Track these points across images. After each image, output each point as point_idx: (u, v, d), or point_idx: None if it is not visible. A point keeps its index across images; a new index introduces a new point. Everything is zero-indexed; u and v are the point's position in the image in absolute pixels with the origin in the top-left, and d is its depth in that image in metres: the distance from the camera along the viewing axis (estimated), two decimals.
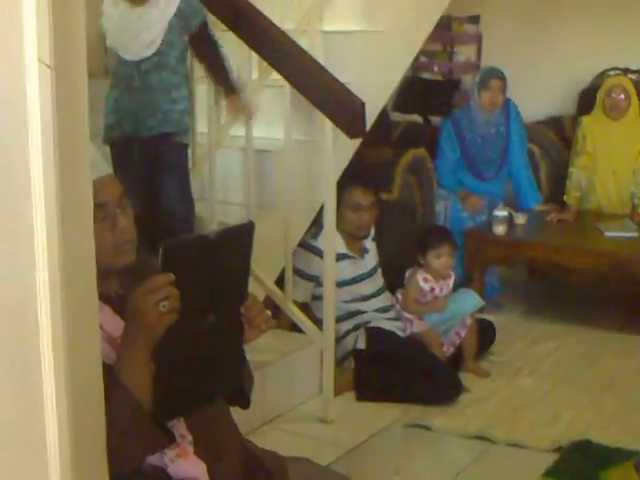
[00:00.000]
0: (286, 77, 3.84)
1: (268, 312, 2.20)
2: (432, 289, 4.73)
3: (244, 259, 2.09)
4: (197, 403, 2.13)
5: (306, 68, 3.79)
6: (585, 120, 6.03)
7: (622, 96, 5.84)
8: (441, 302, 4.73)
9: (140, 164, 3.64)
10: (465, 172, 5.96)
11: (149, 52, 3.57)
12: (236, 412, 2.42)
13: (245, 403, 2.37)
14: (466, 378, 4.64)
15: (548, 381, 4.72)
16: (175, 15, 3.59)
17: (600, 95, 5.99)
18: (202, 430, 2.19)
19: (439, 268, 4.71)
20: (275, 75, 4.03)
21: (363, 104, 3.61)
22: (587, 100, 6.28)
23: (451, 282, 4.82)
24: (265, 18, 3.97)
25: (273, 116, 4.14)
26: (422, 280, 4.72)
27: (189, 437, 2.15)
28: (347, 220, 4.55)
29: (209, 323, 2.02)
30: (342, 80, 3.90)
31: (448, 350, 4.73)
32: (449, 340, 4.75)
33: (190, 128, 3.86)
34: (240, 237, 2.08)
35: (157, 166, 3.66)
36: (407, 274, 4.78)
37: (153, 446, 2.02)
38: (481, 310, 5.01)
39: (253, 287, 3.89)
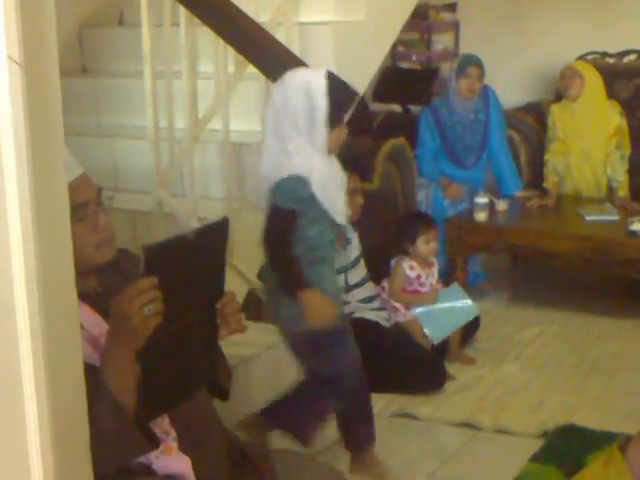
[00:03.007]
0: (262, 70, 3.84)
1: (242, 313, 2.21)
2: (418, 276, 4.74)
3: (220, 255, 2.11)
4: (179, 400, 2.14)
5: (282, 60, 3.79)
6: (554, 107, 6.05)
7: (575, 78, 5.84)
8: (432, 294, 4.74)
9: None
10: (445, 160, 5.96)
11: None
12: (222, 406, 2.43)
13: (224, 396, 2.38)
14: (451, 366, 4.65)
15: (533, 367, 4.73)
16: None
17: (558, 80, 6.03)
18: (186, 425, 2.19)
19: (428, 254, 4.73)
20: (252, 68, 4.03)
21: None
22: None
23: (435, 269, 4.84)
24: (240, 11, 3.97)
25: (250, 109, 4.15)
26: (408, 268, 4.72)
27: (173, 433, 2.16)
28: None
29: (189, 320, 2.03)
30: None
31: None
32: None
33: None
34: (216, 234, 2.09)
35: None
36: (392, 263, 4.78)
37: (137, 450, 2.03)
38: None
39: (236, 281, 3.90)
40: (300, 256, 3.20)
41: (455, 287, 4.84)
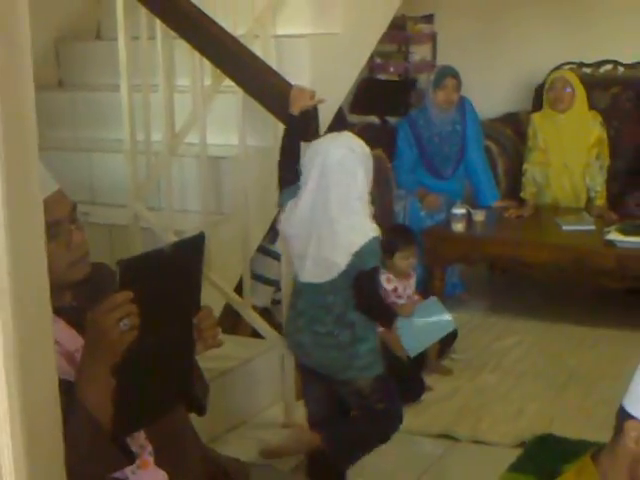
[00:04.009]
0: (239, 83, 3.85)
1: (219, 328, 2.22)
2: (395, 289, 4.75)
3: (196, 270, 2.11)
4: (155, 415, 2.13)
5: (258, 73, 3.80)
6: (535, 117, 6.09)
7: (566, 89, 5.88)
8: (409, 307, 4.73)
9: None
10: (423, 171, 5.98)
11: None
12: (200, 420, 2.43)
13: (201, 411, 2.38)
14: (429, 377, 4.67)
15: (511, 377, 4.75)
16: None
17: (545, 90, 6.05)
18: (162, 440, 2.19)
19: (405, 269, 4.73)
20: (228, 81, 4.03)
21: (316, 108, 3.63)
22: (542, 95, 6.31)
23: (413, 281, 4.84)
24: (216, 24, 3.98)
25: (227, 122, 4.15)
26: (386, 281, 4.72)
27: (149, 447, 2.15)
28: None
29: (165, 335, 2.03)
30: (296, 84, 3.93)
31: None
32: None
33: None
34: (192, 248, 2.10)
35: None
36: None
37: (113, 466, 2.03)
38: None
39: (212, 294, 3.90)
40: None
41: (433, 301, 4.84)
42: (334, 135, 3.48)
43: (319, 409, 3.57)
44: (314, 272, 3.36)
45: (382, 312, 3.55)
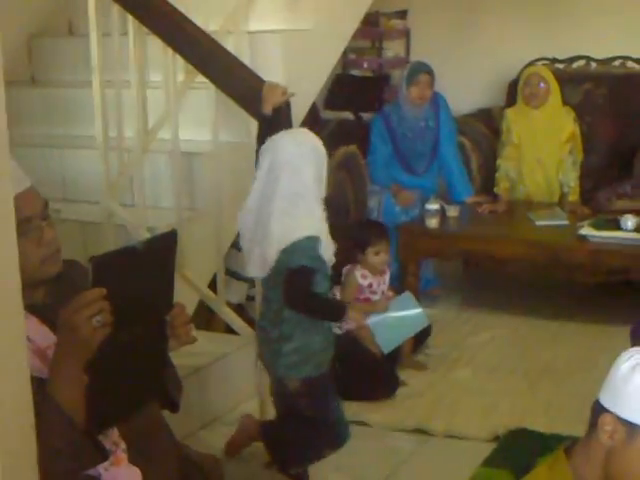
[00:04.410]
0: (211, 79, 3.85)
1: (192, 325, 2.22)
2: (370, 284, 4.76)
3: (169, 266, 2.12)
4: (128, 412, 2.13)
5: (230, 69, 3.80)
6: (509, 112, 6.11)
7: (541, 84, 5.91)
8: (383, 302, 4.74)
9: None
10: (397, 167, 5.99)
11: None
12: (173, 417, 2.43)
13: (173, 408, 2.38)
14: (403, 372, 4.67)
15: (484, 371, 4.77)
16: None
17: (520, 86, 6.07)
18: (135, 437, 2.19)
19: (376, 264, 4.74)
20: (201, 77, 4.03)
21: (289, 104, 3.63)
22: (515, 91, 6.33)
23: (387, 277, 4.85)
24: (189, 20, 3.97)
25: (200, 118, 4.15)
26: (360, 277, 4.73)
27: (123, 444, 2.15)
28: None
29: (138, 332, 2.03)
30: (269, 80, 3.93)
31: None
32: None
33: None
34: (165, 245, 2.10)
35: None
36: (344, 271, 4.79)
37: (86, 463, 2.02)
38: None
39: (186, 291, 3.90)
40: None
41: (407, 296, 4.85)
42: (289, 131, 3.46)
43: (276, 405, 3.59)
44: (258, 267, 3.37)
45: (322, 310, 3.44)
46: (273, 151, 3.32)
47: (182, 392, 2.43)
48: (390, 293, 4.82)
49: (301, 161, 3.29)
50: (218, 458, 2.99)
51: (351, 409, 4.28)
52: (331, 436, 3.46)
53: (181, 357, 2.40)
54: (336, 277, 4.77)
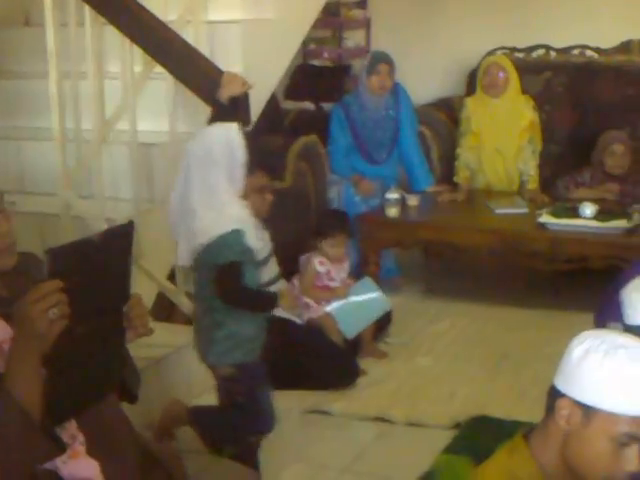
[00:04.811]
0: (169, 69, 3.84)
1: (149, 316, 2.22)
2: (328, 272, 4.77)
3: (126, 258, 2.11)
4: (86, 404, 2.13)
5: (188, 59, 3.79)
6: (468, 101, 6.14)
7: (500, 74, 5.94)
8: (343, 289, 4.77)
9: None
10: (357, 157, 5.99)
11: None
12: (133, 408, 2.43)
13: (132, 399, 2.38)
14: (364, 361, 4.68)
15: (445, 359, 4.79)
16: None
17: (479, 75, 6.10)
18: (94, 429, 2.18)
19: (333, 255, 4.76)
20: (159, 67, 4.01)
21: (247, 94, 3.63)
22: (475, 81, 6.36)
23: (347, 265, 4.87)
24: (146, 10, 3.96)
25: (158, 109, 4.13)
26: (318, 264, 4.75)
27: (80, 437, 2.14)
28: (252, 203, 4.49)
29: (95, 324, 2.03)
30: (228, 70, 3.92)
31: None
32: None
33: None
34: (121, 237, 2.10)
35: None
36: (302, 260, 4.80)
37: (43, 457, 2.01)
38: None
39: (145, 282, 3.88)
40: None
41: (366, 281, 4.88)
42: (213, 125, 3.42)
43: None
44: (186, 257, 3.39)
45: (253, 302, 3.47)
46: (191, 146, 3.33)
47: (140, 384, 2.42)
48: (349, 281, 4.84)
49: (211, 157, 3.26)
50: (177, 449, 2.99)
51: (312, 398, 4.31)
52: (258, 423, 3.47)
53: (140, 348, 2.40)
54: (297, 266, 4.80)
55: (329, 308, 4.71)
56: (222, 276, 3.30)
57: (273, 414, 3.50)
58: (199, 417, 3.58)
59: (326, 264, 4.75)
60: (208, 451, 3.48)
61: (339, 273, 4.80)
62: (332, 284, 4.76)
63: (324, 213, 5.17)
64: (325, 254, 4.74)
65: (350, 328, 4.71)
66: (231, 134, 3.27)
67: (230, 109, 3.61)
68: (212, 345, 3.39)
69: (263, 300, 3.51)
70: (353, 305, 4.75)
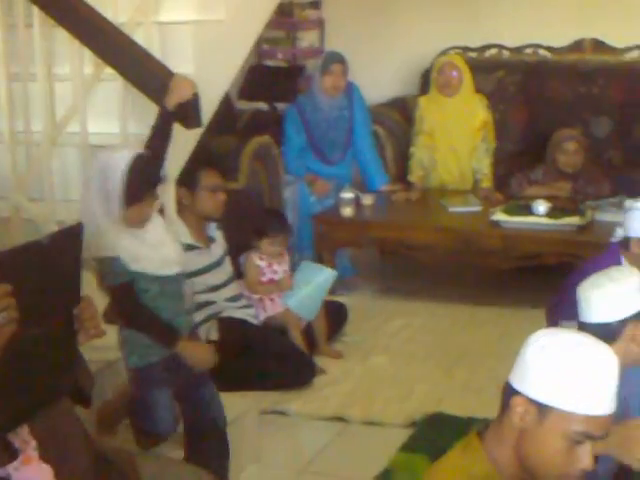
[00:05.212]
0: (119, 70, 3.81)
1: (100, 318, 2.20)
2: (270, 264, 4.79)
3: (75, 260, 2.10)
4: (38, 408, 2.11)
5: (139, 61, 3.77)
6: (422, 100, 6.16)
7: (454, 73, 5.98)
8: (287, 280, 4.77)
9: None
10: (311, 157, 6.01)
11: None
12: (86, 412, 2.41)
13: (86, 403, 2.36)
14: (320, 360, 4.69)
15: (401, 357, 4.81)
16: None
17: (433, 74, 6.13)
18: (46, 434, 2.17)
19: (271, 253, 4.80)
20: (110, 69, 3.98)
21: (197, 93, 3.62)
22: (429, 80, 6.39)
23: (287, 258, 4.91)
24: (95, 11, 3.92)
25: (109, 111, 4.10)
26: (258, 259, 4.76)
27: (33, 442, 2.13)
28: (205, 202, 4.50)
29: (45, 328, 2.01)
30: (180, 71, 3.91)
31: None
32: None
33: None
34: (70, 239, 2.08)
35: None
36: (241, 260, 4.80)
37: None
38: (333, 292, 5.08)
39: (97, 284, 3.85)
40: None
41: (306, 265, 4.91)
42: (109, 148, 3.51)
43: None
44: None
45: (147, 328, 3.33)
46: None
47: (94, 386, 2.40)
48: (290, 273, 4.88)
49: (88, 181, 3.26)
50: (131, 452, 2.97)
51: (269, 399, 4.31)
52: (152, 426, 3.42)
53: (92, 351, 2.38)
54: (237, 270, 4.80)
55: (290, 304, 4.72)
56: (115, 297, 3.30)
57: (170, 419, 3.43)
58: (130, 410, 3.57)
59: (266, 258, 4.77)
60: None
61: (281, 265, 4.83)
62: (276, 277, 4.78)
63: (263, 213, 5.15)
64: (264, 252, 4.76)
65: (307, 312, 4.77)
66: (111, 162, 3.21)
67: (175, 116, 3.61)
68: (121, 345, 3.41)
69: (158, 330, 3.36)
70: (306, 292, 4.77)
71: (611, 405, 1.97)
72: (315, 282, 4.82)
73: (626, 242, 3.51)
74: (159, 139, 3.59)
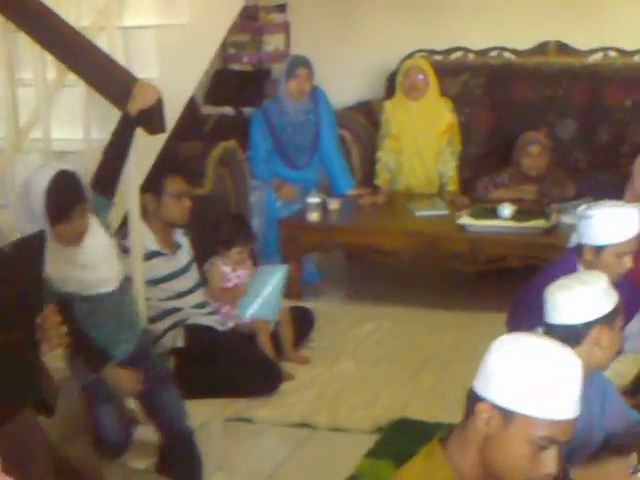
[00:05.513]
0: (81, 76, 3.79)
1: (64, 327, 2.18)
2: (234, 269, 4.78)
3: (37, 269, 2.08)
4: (1, 419, 2.09)
5: (101, 66, 3.75)
6: (387, 104, 6.17)
7: (420, 76, 5.99)
8: (240, 287, 4.76)
9: None
10: (278, 161, 6.00)
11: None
12: (50, 421, 2.39)
13: (49, 412, 2.34)
14: (287, 367, 4.68)
15: (367, 363, 4.80)
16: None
17: (399, 78, 6.14)
18: (10, 444, 2.14)
19: (237, 261, 4.79)
20: (73, 74, 3.96)
21: (160, 99, 3.60)
22: (394, 83, 6.39)
23: (250, 263, 4.92)
24: (57, 16, 3.89)
25: (72, 116, 4.07)
26: (223, 265, 4.75)
27: None
28: (170, 208, 4.48)
29: (8, 337, 1.99)
30: (144, 76, 3.89)
31: None
32: None
33: None
34: (33, 247, 2.07)
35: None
36: (206, 266, 4.77)
37: None
38: (299, 297, 5.07)
39: None
40: None
41: (260, 268, 4.91)
42: (43, 164, 3.48)
43: None
44: None
45: (79, 348, 3.24)
46: None
47: (57, 396, 2.38)
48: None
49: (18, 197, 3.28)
50: (96, 460, 2.95)
51: (235, 406, 4.30)
52: (101, 438, 3.38)
53: (57, 360, 2.37)
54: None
55: (251, 312, 4.71)
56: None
57: (114, 434, 3.41)
58: None
59: (231, 264, 4.75)
60: None
61: (245, 270, 4.85)
62: (240, 282, 4.77)
63: (225, 220, 5.10)
64: (230, 259, 4.75)
65: (270, 313, 4.76)
66: (33, 181, 3.21)
67: (138, 121, 3.60)
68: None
69: (84, 355, 3.31)
70: (265, 296, 4.75)
71: (575, 409, 1.98)
72: (270, 283, 4.79)
73: (580, 248, 3.52)
74: (119, 145, 3.57)
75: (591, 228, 3.46)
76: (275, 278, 4.82)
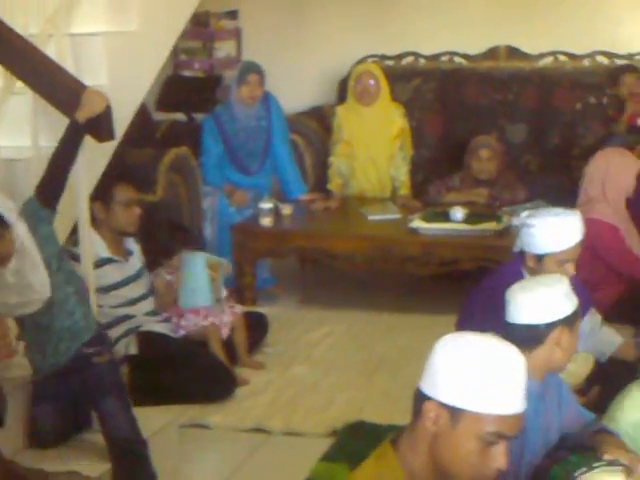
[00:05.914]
0: (29, 84, 3.76)
1: (11, 337, 2.17)
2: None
3: None
4: None
5: (49, 74, 3.73)
6: (339, 109, 6.20)
7: (371, 82, 6.02)
8: (172, 291, 4.73)
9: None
10: (230, 167, 5.99)
11: None
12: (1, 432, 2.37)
13: None
14: (241, 372, 4.66)
15: (321, 367, 4.81)
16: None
17: (350, 83, 6.16)
18: None
19: (179, 268, 4.75)
20: (21, 82, 3.93)
21: (109, 106, 3.59)
22: (346, 89, 6.41)
23: None
24: (4, 24, 3.87)
25: (21, 124, 4.05)
26: (167, 274, 4.72)
27: None
28: (119, 217, 4.45)
29: None
30: (93, 83, 3.88)
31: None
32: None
33: None
34: None
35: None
36: (152, 277, 4.72)
37: None
38: (253, 303, 5.06)
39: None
40: None
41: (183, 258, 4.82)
42: None
43: None
44: None
45: None
46: None
47: (7, 407, 2.37)
48: None
49: None
50: (47, 472, 2.93)
51: (190, 412, 4.28)
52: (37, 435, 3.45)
53: (6, 370, 2.34)
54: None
55: (183, 304, 4.68)
56: None
57: (49, 435, 3.44)
58: None
59: (174, 271, 4.71)
60: None
61: None
62: None
63: (161, 229, 5.04)
64: (171, 267, 4.72)
65: (205, 299, 4.70)
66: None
67: (86, 129, 3.59)
68: None
69: None
70: (188, 285, 4.69)
71: (521, 404, 2.00)
72: (188, 271, 4.73)
73: (523, 255, 3.55)
74: (66, 153, 3.55)
75: (533, 237, 3.49)
76: (191, 266, 4.72)
